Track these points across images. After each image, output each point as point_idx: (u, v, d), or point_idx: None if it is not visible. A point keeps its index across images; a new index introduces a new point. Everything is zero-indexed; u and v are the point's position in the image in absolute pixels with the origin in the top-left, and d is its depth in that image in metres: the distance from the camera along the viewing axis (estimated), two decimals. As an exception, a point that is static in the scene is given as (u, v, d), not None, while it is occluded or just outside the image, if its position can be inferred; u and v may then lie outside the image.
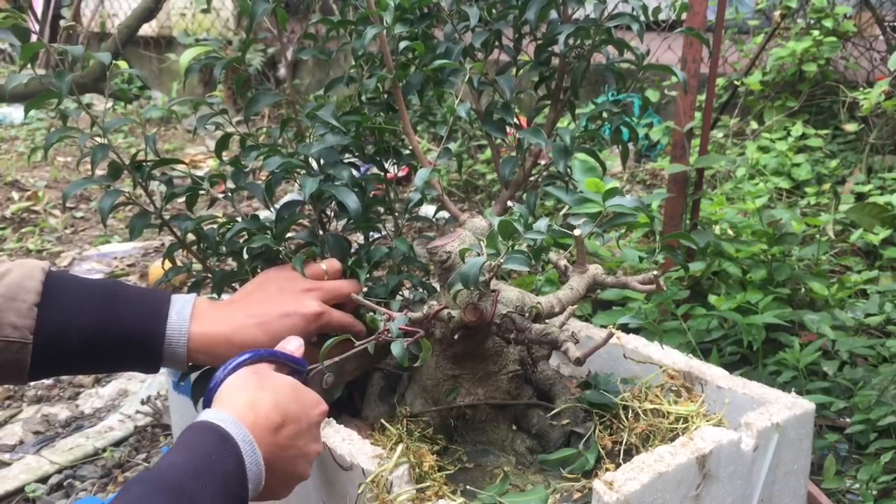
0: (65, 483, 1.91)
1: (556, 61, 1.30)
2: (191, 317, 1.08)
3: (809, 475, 1.21)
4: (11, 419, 2.20)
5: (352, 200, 1.19)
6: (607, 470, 1.00)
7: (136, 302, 1.07)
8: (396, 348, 1.01)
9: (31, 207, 3.95)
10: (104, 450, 2.01)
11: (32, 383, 2.36)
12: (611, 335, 1.04)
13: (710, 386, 1.21)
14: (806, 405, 1.14)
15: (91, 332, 1.04)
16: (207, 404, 0.96)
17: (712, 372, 1.24)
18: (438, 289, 1.20)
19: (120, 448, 2.03)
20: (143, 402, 2.19)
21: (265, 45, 5.48)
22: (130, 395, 2.28)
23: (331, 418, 1.12)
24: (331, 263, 1.21)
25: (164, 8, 5.71)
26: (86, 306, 1.04)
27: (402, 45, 1.23)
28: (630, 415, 1.14)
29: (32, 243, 3.53)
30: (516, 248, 1.02)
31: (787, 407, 1.13)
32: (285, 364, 1.02)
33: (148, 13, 5.32)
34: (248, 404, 0.92)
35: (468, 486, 1.09)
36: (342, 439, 1.08)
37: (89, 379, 2.39)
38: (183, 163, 1.27)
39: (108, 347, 1.05)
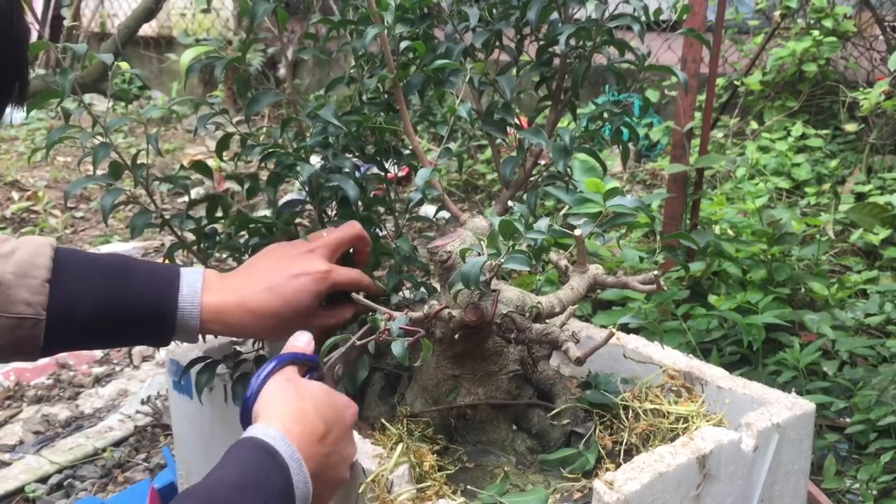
0: (65, 483, 1.91)
1: (557, 62, 1.30)
2: (202, 288, 1.08)
3: (809, 475, 1.21)
4: (11, 419, 2.20)
5: (350, 187, 1.19)
6: (607, 470, 1.01)
7: (146, 275, 1.07)
8: (397, 348, 1.01)
9: (31, 207, 3.95)
10: (104, 450, 2.01)
11: (32, 383, 2.36)
12: (611, 335, 1.04)
13: (711, 386, 1.21)
14: (806, 405, 1.14)
15: (103, 307, 1.04)
16: (245, 415, 0.95)
17: (712, 372, 1.24)
18: (439, 289, 1.20)
19: (120, 448, 2.03)
20: (143, 402, 2.19)
21: (265, 45, 5.47)
22: (130, 395, 2.28)
23: None
24: (330, 231, 1.22)
25: (164, 8, 5.70)
26: (96, 281, 1.04)
27: (403, 45, 1.23)
28: (630, 415, 1.14)
29: (32, 243, 3.53)
30: (517, 247, 1.02)
31: (787, 407, 1.13)
32: (305, 364, 1.02)
33: (148, 13, 5.32)
34: (292, 417, 0.92)
35: (468, 486, 1.09)
36: None
37: (89, 379, 2.39)
38: (208, 173, 1.27)
39: (120, 321, 1.05)
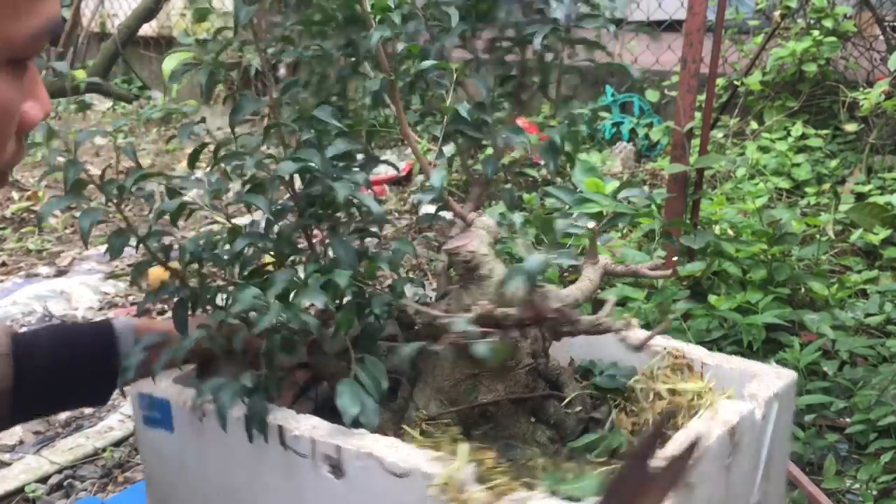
0: (65, 483, 1.90)
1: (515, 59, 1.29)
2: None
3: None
4: (11, 419, 2.21)
5: (372, 203, 1.18)
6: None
7: (81, 326, 1.23)
8: (482, 349, 0.98)
9: (31, 207, 3.95)
10: (104, 450, 2.01)
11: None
12: (669, 324, 1.04)
13: (696, 363, 1.23)
14: (789, 374, 1.17)
15: (55, 359, 1.17)
16: None
17: (691, 350, 1.25)
18: (458, 289, 1.19)
19: (120, 448, 2.03)
20: (143, 403, 2.19)
21: (265, 46, 5.47)
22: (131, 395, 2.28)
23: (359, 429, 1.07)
24: None
25: (164, 8, 5.70)
26: (46, 342, 1.18)
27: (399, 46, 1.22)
28: (650, 395, 1.15)
29: (32, 243, 3.53)
30: (554, 242, 1.02)
31: (776, 377, 1.16)
32: None
33: (148, 13, 5.32)
34: None
35: (527, 480, 1.07)
36: (386, 446, 1.02)
37: (89, 379, 2.39)
38: (163, 174, 1.21)
39: (69, 367, 1.20)
